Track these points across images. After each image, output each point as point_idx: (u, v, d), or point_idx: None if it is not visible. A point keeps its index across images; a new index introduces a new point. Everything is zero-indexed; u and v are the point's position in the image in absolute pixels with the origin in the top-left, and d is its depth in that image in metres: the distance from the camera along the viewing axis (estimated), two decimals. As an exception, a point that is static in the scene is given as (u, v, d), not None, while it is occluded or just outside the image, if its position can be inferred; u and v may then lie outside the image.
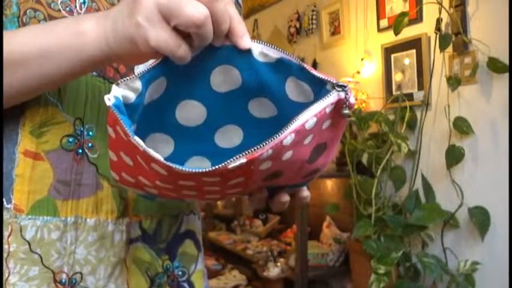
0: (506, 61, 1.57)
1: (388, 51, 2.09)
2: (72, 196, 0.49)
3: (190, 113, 0.45)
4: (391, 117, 1.94)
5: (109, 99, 0.35)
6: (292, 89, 0.42)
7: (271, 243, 2.55)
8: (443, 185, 1.81)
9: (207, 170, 0.33)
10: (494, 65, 1.60)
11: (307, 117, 0.36)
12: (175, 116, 0.45)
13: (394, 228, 1.72)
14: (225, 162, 0.33)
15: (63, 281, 0.48)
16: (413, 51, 1.96)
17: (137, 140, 0.34)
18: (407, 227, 1.72)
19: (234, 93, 0.44)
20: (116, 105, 0.35)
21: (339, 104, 0.38)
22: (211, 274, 2.48)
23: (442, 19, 1.73)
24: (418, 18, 1.94)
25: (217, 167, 0.33)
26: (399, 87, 2.04)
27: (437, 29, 1.73)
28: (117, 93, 0.36)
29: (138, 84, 0.38)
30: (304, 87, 0.41)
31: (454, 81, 1.69)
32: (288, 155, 0.37)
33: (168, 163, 0.33)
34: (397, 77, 2.06)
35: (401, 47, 2.01)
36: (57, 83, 0.44)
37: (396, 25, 1.76)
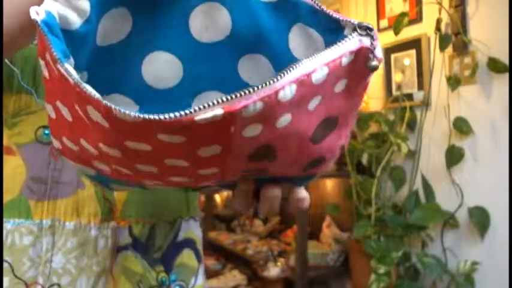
0: (506, 61, 1.57)
1: (388, 51, 2.09)
2: (48, 196, 0.43)
3: (161, 69, 0.34)
4: (391, 117, 1.94)
5: (37, 13, 0.24)
6: (298, 41, 0.32)
7: (271, 243, 2.54)
8: (443, 185, 1.81)
9: (162, 117, 0.23)
10: (494, 65, 1.60)
11: (315, 65, 0.25)
12: (141, 72, 0.34)
13: (394, 228, 1.72)
14: (191, 109, 0.23)
15: None
16: (413, 51, 1.96)
17: (68, 68, 0.24)
18: (407, 227, 1.72)
19: (220, 45, 0.33)
20: (47, 22, 0.24)
21: (361, 55, 0.27)
22: (211, 274, 2.48)
23: (442, 19, 1.73)
24: (418, 19, 1.94)
25: (178, 114, 0.23)
26: (399, 87, 2.04)
27: (437, 29, 1.73)
28: (51, 8, 0.25)
29: (85, 4, 0.27)
30: (314, 36, 0.31)
31: (454, 81, 1.69)
32: (284, 120, 0.26)
33: (107, 102, 0.23)
34: (397, 77, 2.06)
35: (401, 47, 2.01)
36: (6, 45, 0.36)
37: (396, 25, 1.76)
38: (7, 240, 0.42)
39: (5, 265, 0.41)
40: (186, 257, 0.52)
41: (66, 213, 0.44)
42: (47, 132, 0.43)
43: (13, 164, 0.43)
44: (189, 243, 0.53)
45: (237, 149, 0.26)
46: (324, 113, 0.29)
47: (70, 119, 0.28)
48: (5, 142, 0.43)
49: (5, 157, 0.43)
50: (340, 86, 0.28)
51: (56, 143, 0.33)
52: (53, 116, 0.30)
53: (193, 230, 0.54)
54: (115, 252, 0.46)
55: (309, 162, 0.32)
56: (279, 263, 2.24)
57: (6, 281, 0.41)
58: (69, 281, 0.43)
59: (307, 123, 0.28)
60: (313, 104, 0.27)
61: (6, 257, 0.41)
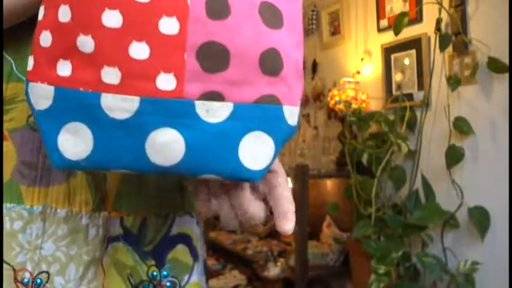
0: (506, 61, 1.57)
1: (388, 51, 2.09)
2: (39, 182, 0.43)
3: None
4: (391, 117, 1.94)
5: None
6: None
7: (271, 243, 2.55)
8: (443, 185, 1.81)
9: None
10: (494, 65, 1.60)
11: None
12: None
13: (394, 228, 1.72)
14: None
15: (26, 280, 0.41)
16: (413, 51, 1.96)
17: None
18: (407, 227, 1.72)
19: None
20: None
21: None
22: (211, 274, 2.48)
23: (442, 19, 1.73)
24: (418, 18, 1.94)
25: None
26: (399, 87, 2.04)
27: (437, 29, 1.73)
28: None
29: None
30: None
31: (454, 81, 1.69)
32: None
33: None
34: (397, 77, 2.06)
35: (401, 47, 2.01)
36: (6, 17, 0.39)
37: (396, 25, 1.76)
38: None
39: None
40: (180, 252, 0.50)
41: (58, 200, 0.43)
42: None
43: (5, 148, 0.43)
44: (184, 239, 0.51)
45: None
46: None
47: None
48: None
49: None
50: None
51: (30, 62, 0.34)
52: (41, 16, 0.34)
53: (189, 226, 0.52)
54: (105, 243, 0.46)
55: (264, 53, 0.34)
56: (279, 263, 2.24)
57: None
58: (58, 269, 0.43)
59: None
60: None
61: None
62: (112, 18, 0.31)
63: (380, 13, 2.15)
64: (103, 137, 0.33)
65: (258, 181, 0.36)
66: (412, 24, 1.93)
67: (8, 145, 0.43)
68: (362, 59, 2.24)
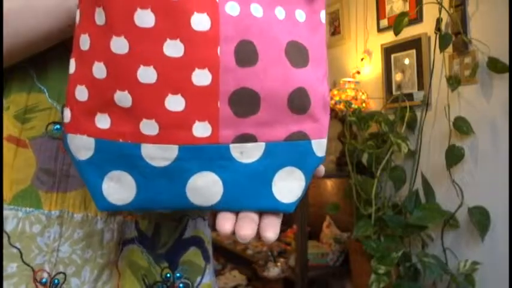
0: (506, 61, 1.57)
1: (388, 51, 2.09)
2: (57, 188, 0.45)
3: None
4: (391, 117, 1.94)
5: None
6: None
7: (271, 243, 2.54)
8: (443, 185, 1.81)
9: None
10: (494, 65, 1.60)
11: None
12: None
13: (394, 228, 1.72)
14: None
15: (44, 280, 0.44)
16: (413, 51, 1.96)
17: None
18: (407, 227, 1.72)
19: None
20: None
21: None
22: (211, 274, 2.48)
23: (442, 19, 1.73)
24: (418, 18, 1.94)
25: None
26: (399, 87, 2.04)
27: (437, 29, 1.73)
28: None
29: None
30: None
31: (454, 81, 1.69)
32: (257, 9, 0.34)
33: None
34: (397, 77, 2.06)
35: (401, 47, 2.01)
36: (36, 43, 0.41)
37: (396, 25, 1.76)
38: (18, 228, 0.43)
39: (15, 251, 0.43)
40: (193, 255, 0.52)
41: (74, 205, 0.45)
42: (57, 127, 0.46)
43: (25, 155, 0.45)
44: (197, 241, 0.53)
45: (224, 29, 0.32)
46: (291, 34, 0.35)
47: (88, 45, 0.34)
48: (17, 135, 0.45)
49: (18, 149, 0.45)
50: (300, 16, 0.36)
51: (67, 114, 0.35)
52: (73, 69, 0.35)
53: (201, 229, 0.54)
54: (120, 246, 0.48)
55: (292, 93, 0.35)
56: (279, 263, 2.24)
57: (14, 266, 0.43)
58: (74, 271, 0.45)
59: (279, 28, 0.34)
60: (280, 12, 0.35)
61: (16, 243, 0.43)
62: (147, 75, 0.32)
63: (380, 13, 2.15)
64: (145, 184, 0.35)
65: (293, 211, 0.38)
66: (412, 24, 1.93)
67: (28, 153, 0.45)
68: (362, 59, 2.24)
